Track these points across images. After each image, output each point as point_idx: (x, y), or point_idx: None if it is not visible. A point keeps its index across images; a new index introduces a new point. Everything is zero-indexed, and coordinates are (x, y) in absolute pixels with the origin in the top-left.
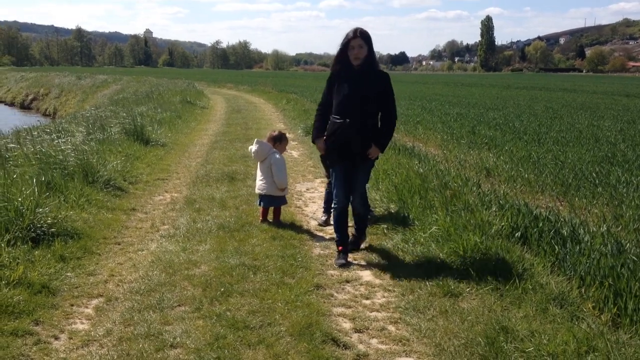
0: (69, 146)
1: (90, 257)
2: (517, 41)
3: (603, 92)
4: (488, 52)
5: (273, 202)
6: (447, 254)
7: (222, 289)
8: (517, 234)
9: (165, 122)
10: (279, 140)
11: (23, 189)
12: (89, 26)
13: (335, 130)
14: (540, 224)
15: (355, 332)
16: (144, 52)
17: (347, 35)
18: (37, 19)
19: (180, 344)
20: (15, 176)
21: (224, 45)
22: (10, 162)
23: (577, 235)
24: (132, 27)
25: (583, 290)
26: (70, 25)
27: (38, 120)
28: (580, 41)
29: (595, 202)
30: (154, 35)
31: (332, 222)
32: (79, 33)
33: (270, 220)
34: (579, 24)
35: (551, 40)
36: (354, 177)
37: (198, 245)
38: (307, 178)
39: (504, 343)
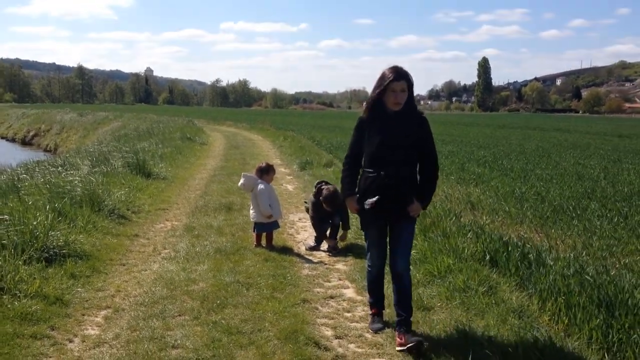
0: (77, 178)
1: (98, 276)
2: (514, 82)
3: (596, 132)
4: (485, 92)
5: (264, 228)
6: (423, 274)
7: (218, 302)
8: (487, 258)
9: (166, 157)
10: (266, 172)
11: (37, 214)
12: (90, 64)
13: (369, 185)
14: (509, 249)
15: (336, 338)
16: (145, 90)
17: (384, 76)
18: (39, 57)
19: (181, 345)
20: (30, 203)
21: (223, 83)
22: (22, 192)
23: (542, 259)
24: (133, 65)
25: (541, 304)
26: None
27: (44, 155)
28: (577, 82)
29: (569, 232)
30: (154, 74)
31: (321, 249)
32: (80, 71)
33: (264, 245)
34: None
35: (547, 81)
36: (396, 239)
37: (197, 266)
38: (299, 209)
39: (465, 346)
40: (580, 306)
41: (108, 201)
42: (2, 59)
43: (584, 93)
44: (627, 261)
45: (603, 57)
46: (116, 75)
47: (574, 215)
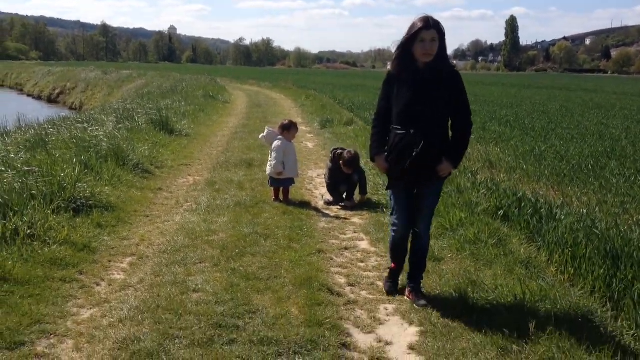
0: (102, 133)
1: (123, 226)
2: (542, 41)
3: (623, 92)
4: (512, 52)
5: (278, 183)
6: (435, 227)
7: (237, 251)
8: (500, 212)
9: (188, 114)
10: (287, 129)
11: (65, 167)
12: (114, 22)
13: (397, 143)
14: (522, 204)
15: (348, 286)
16: (168, 48)
17: (414, 25)
18: (63, 14)
19: (201, 289)
20: (58, 156)
21: (247, 42)
22: (50, 146)
23: (553, 214)
24: (156, 23)
25: (548, 256)
26: (96, 20)
27: (69, 113)
28: (606, 42)
29: (586, 190)
30: (178, 32)
31: (340, 204)
32: (104, 29)
33: (282, 200)
34: (605, 24)
35: (576, 41)
36: (421, 199)
37: (217, 218)
38: (319, 166)
39: (472, 293)
40: (585, 257)
41: (132, 156)
42: (26, 16)
43: (614, 53)
44: None
45: (634, 16)
46: (140, 33)
47: (591, 173)
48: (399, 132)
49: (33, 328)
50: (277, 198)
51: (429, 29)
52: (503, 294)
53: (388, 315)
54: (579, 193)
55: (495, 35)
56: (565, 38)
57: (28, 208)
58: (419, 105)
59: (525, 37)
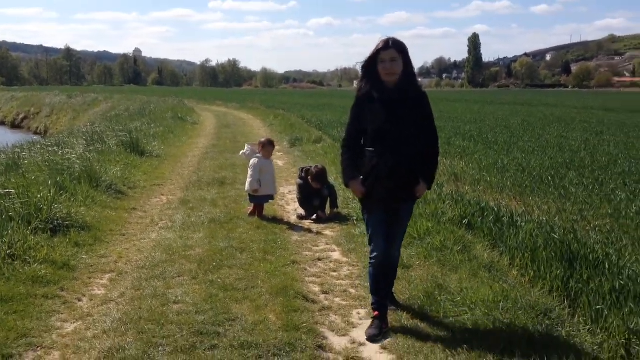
0: (74, 155)
1: (101, 244)
2: (504, 57)
3: (583, 106)
4: (475, 68)
5: (257, 199)
6: (404, 237)
7: (214, 264)
8: (464, 221)
9: (158, 136)
10: (263, 146)
11: (40, 189)
12: (78, 45)
13: (374, 167)
14: (485, 213)
15: (322, 293)
16: (133, 71)
17: (376, 46)
18: (26, 39)
19: (181, 301)
20: (33, 178)
21: (213, 63)
22: (23, 169)
23: (514, 222)
24: (121, 46)
25: (510, 261)
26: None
27: (35, 138)
28: (566, 57)
29: (546, 199)
30: (143, 54)
31: (310, 218)
32: (68, 52)
33: (256, 215)
34: (564, 40)
35: (537, 56)
36: (398, 220)
37: (193, 234)
38: (289, 182)
39: (438, 296)
40: (544, 260)
41: (105, 177)
42: None
43: (574, 68)
44: (597, 223)
45: (593, 31)
46: (104, 56)
47: (551, 184)
48: (372, 154)
49: (20, 342)
50: (252, 214)
51: (387, 49)
52: (468, 296)
53: (361, 319)
54: (540, 202)
55: (458, 52)
56: (526, 54)
57: (7, 229)
58: (388, 124)
59: (488, 54)
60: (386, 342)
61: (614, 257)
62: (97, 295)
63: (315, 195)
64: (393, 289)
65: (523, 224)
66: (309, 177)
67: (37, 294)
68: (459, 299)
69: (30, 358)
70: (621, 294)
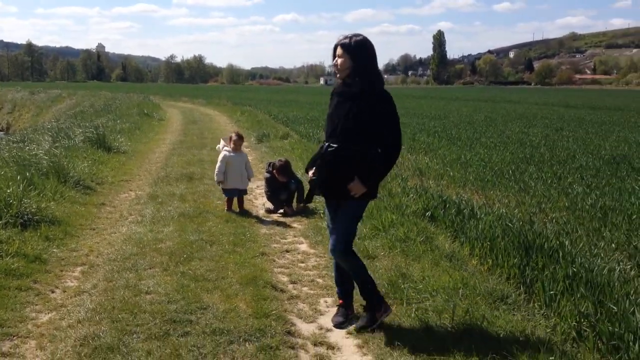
0: (41, 151)
1: (71, 238)
2: (468, 55)
3: (544, 103)
4: (440, 65)
5: (230, 193)
6: (369, 229)
7: (185, 256)
8: (427, 214)
9: (124, 132)
10: (232, 140)
11: (9, 183)
12: (40, 41)
13: (316, 157)
14: (447, 206)
15: (291, 283)
16: (97, 67)
17: None
18: None
19: (154, 291)
20: (2, 173)
21: (178, 59)
22: None
23: (475, 214)
24: (84, 42)
25: (470, 250)
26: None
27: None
28: (529, 54)
29: (506, 193)
30: (106, 50)
31: (278, 211)
32: (30, 48)
33: (235, 210)
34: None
35: (501, 53)
36: (337, 214)
37: (163, 228)
38: (257, 178)
39: (402, 284)
40: (502, 249)
41: (73, 173)
42: None
43: (536, 65)
44: (554, 216)
45: (554, 29)
46: (67, 52)
47: (512, 178)
48: (321, 145)
49: None
50: (229, 208)
51: (335, 48)
52: (430, 284)
53: (328, 307)
54: (500, 196)
55: (423, 49)
56: (490, 51)
57: None
58: (329, 117)
59: (452, 51)
60: (351, 327)
61: (568, 246)
62: (70, 287)
63: (282, 188)
64: (354, 291)
65: (483, 215)
66: (274, 171)
67: (10, 286)
68: (421, 286)
69: (7, 347)
70: (574, 281)
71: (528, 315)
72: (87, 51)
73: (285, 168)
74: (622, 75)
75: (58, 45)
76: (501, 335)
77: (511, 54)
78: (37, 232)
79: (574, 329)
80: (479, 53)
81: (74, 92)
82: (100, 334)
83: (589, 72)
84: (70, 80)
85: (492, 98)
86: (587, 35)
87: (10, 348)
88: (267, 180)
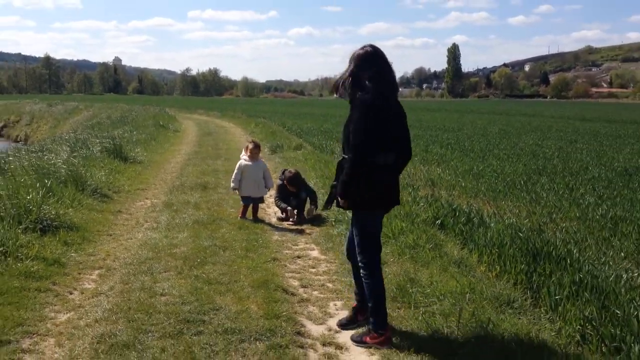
0: (59, 160)
1: (89, 244)
2: (483, 68)
3: (560, 116)
4: (455, 79)
5: (247, 200)
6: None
7: (199, 260)
8: (437, 222)
9: (140, 143)
10: (249, 149)
11: (29, 190)
12: (57, 54)
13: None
14: (457, 214)
15: (301, 287)
16: (114, 80)
17: None
18: (4, 48)
19: (168, 293)
20: (22, 181)
21: (193, 72)
22: (9, 173)
23: (484, 222)
24: (100, 55)
25: (479, 257)
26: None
27: (15, 146)
28: (544, 68)
29: (518, 203)
30: (123, 63)
31: (290, 219)
32: (47, 61)
33: (250, 217)
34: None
35: (516, 67)
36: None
37: (177, 234)
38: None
39: (410, 288)
40: (510, 256)
41: (90, 181)
42: None
43: (552, 78)
44: (564, 225)
45: (570, 42)
46: (84, 65)
47: (524, 189)
48: None
49: (16, 330)
50: (243, 215)
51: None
52: (437, 288)
53: (337, 310)
54: (512, 206)
55: (438, 62)
56: (505, 64)
57: None
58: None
59: (467, 64)
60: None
61: (576, 254)
62: (88, 289)
63: (292, 196)
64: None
65: (492, 224)
66: (284, 180)
67: (30, 288)
68: (428, 291)
69: (27, 344)
70: (580, 287)
71: (534, 319)
72: (104, 64)
73: (294, 179)
74: (639, 89)
75: (75, 59)
76: (506, 338)
77: (527, 67)
78: (56, 237)
79: (578, 332)
80: (494, 66)
81: (90, 104)
82: (117, 332)
83: (605, 85)
84: (87, 93)
85: (507, 111)
86: (603, 48)
87: (30, 345)
88: (279, 187)
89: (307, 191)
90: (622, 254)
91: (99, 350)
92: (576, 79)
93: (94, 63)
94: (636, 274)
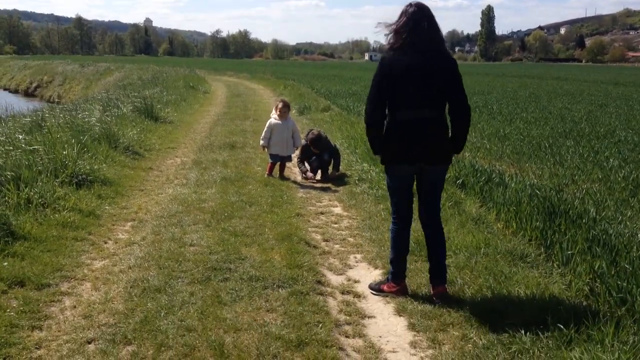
0: (93, 119)
1: (122, 198)
2: (518, 31)
3: (593, 80)
4: (488, 42)
5: (274, 158)
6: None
7: (226, 214)
8: (458, 181)
9: (171, 103)
10: (278, 108)
11: (65, 146)
12: (89, 15)
13: None
14: (478, 174)
15: (323, 241)
16: (144, 41)
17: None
18: (37, 8)
19: (197, 244)
20: (58, 137)
21: (224, 34)
22: (45, 130)
23: (504, 182)
24: (131, 15)
25: (496, 215)
26: (70, 13)
27: (49, 105)
28: (581, 31)
29: (541, 166)
30: (153, 24)
31: (317, 178)
32: (79, 22)
33: (276, 175)
34: (579, 13)
35: (551, 30)
36: None
37: (206, 190)
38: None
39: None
40: (526, 214)
41: (122, 139)
42: None
43: (588, 42)
44: (586, 186)
45: (607, 5)
46: (115, 26)
47: (548, 151)
48: None
49: (55, 274)
50: (270, 173)
51: None
52: (454, 243)
53: (357, 262)
54: (535, 168)
55: (471, 25)
56: (540, 27)
57: (37, 181)
58: None
59: (501, 27)
60: (377, 277)
61: (594, 213)
62: (121, 239)
63: (314, 156)
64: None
65: (512, 184)
66: (308, 141)
67: (67, 237)
68: (446, 245)
69: (66, 287)
70: (593, 243)
71: (545, 272)
72: (135, 25)
73: (316, 141)
74: None
75: (106, 20)
76: (518, 289)
77: (562, 30)
78: (91, 190)
79: (587, 285)
80: (528, 29)
81: (122, 65)
82: (149, 278)
83: None
84: (118, 54)
85: (540, 75)
86: None
87: (69, 288)
88: (303, 148)
89: (331, 152)
90: None
91: (133, 294)
92: (613, 42)
93: (125, 24)
94: None
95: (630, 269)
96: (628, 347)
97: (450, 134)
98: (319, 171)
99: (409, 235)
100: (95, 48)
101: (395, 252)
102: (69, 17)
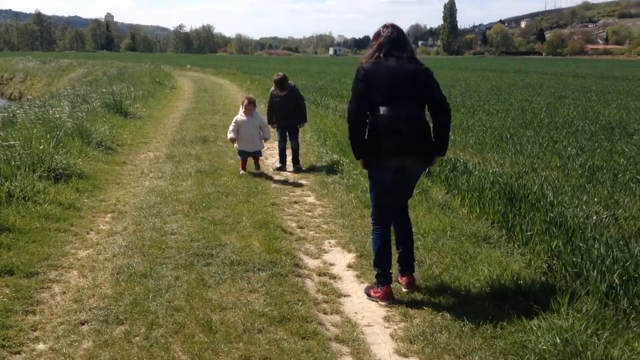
0: (65, 114)
1: (99, 191)
2: (480, 25)
3: (553, 73)
4: (450, 35)
5: (244, 154)
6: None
7: (204, 204)
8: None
9: (139, 99)
10: (244, 105)
11: (41, 141)
12: (48, 10)
13: None
14: (443, 163)
15: (299, 228)
16: (106, 37)
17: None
18: None
19: (177, 232)
20: (35, 131)
21: (187, 29)
22: (18, 126)
23: (468, 170)
24: (92, 11)
25: (461, 201)
26: (29, 9)
27: (10, 103)
28: (541, 24)
29: (503, 155)
30: (115, 19)
31: (286, 169)
32: (39, 17)
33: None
34: (539, 7)
35: (512, 23)
36: None
37: (182, 182)
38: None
39: None
40: (489, 199)
41: (95, 135)
42: None
43: (548, 35)
44: (545, 174)
45: None
46: (75, 21)
47: (510, 141)
48: None
49: (42, 263)
50: (243, 169)
51: None
52: (422, 227)
53: (331, 247)
54: (497, 157)
55: (434, 19)
56: (501, 21)
57: (17, 176)
58: None
59: (463, 21)
60: (351, 262)
61: (551, 198)
62: (103, 230)
63: (283, 106)
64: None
65: (476, 172)
66: (274, 89)
67: (50, 228)
68: (413, 229)
69: (54, 275)
70: (551, 225)
71: (507, 252)
72: (97, 21)
73: (283, 80)
74: (635, 46)
75: (66, 15)
76: (481, 267)
77: (523, 24)
78: (69, 184)
79: (545, 262)
80: (490, 23)
81: (84, 61)
82: (134, 264)
83: (601, 42)
84: (79, 50)
85: (501, 68)
86: (600, 4)
87: (57, 276)
88: (269, 105)
89: (295, 94)
90: (596, 199)
91: (120, 280)
92: (572, 35)
93: (86, 19)
94: (604, 216)
95: (585, 247)
96: (581, 314)
97: (432, 135)
98: (290, 159)
99: (389, 237)
100: (56, 44)
101: (377, 255)
102: (28, 12)
